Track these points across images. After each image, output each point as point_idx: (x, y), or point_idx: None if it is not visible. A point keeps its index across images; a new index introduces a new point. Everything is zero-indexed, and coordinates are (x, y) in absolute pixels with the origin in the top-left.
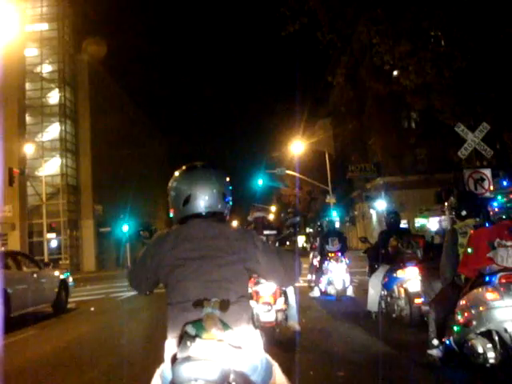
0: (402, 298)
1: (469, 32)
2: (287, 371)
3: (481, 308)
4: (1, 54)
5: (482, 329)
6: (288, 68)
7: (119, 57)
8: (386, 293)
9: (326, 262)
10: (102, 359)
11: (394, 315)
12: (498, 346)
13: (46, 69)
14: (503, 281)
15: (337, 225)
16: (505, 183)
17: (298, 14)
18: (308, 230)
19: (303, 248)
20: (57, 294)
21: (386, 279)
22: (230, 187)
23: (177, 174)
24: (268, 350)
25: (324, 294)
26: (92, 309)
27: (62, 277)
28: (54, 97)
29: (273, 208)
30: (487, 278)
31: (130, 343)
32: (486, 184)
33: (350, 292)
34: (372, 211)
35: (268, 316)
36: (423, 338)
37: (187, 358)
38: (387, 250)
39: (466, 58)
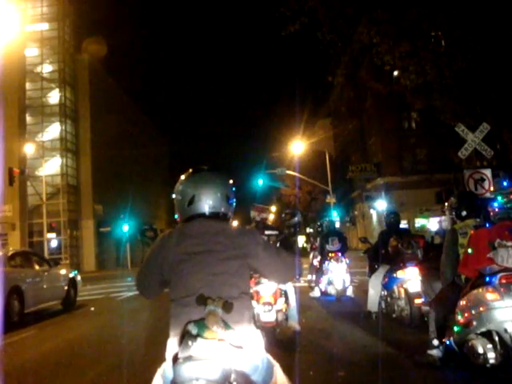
0: (402, 299)
1: (469, 32)
2: (287, 371)
3: (481, 308)
4: (1, 54)
5: (483, 329)
6: (288, 68)
7: (119, 56)
8: (386, 293)
9: (327, 262)
10: (102, 359)
11: (394, 315)
12: (498, 347)
13: (47, 69)
14: (503, 281)
15: (337, 225)
16: (505, 183)
17: (298, 14)
18: (308, 230)
19: (303, 248)
20: (66, 291)
21: (386, 279)
22: (234, 190)
23: (183, 176)
24: (268, 350)
25: (324, 294)
26: (92, 309)
27: (70, 275)
28: (54, 97)
29: (273, 208)
30: (487, 279)
31: (130, 343)
32: (486, 184)
33: (349, 292)
34: (372, 211)
35: (268, 316)
36: (423, 338)
37: (188, 358)
38: (387, 251)
39: (467, 58)
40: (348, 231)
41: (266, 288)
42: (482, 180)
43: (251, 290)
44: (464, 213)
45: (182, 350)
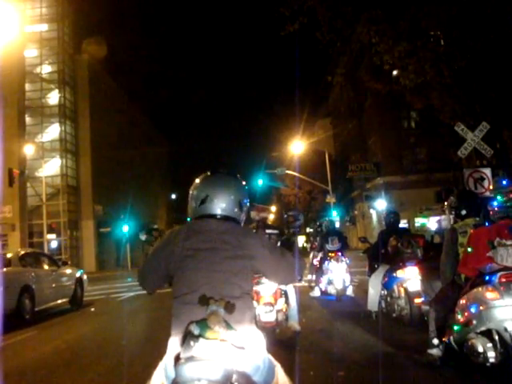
0: (401, 298)
1: (468, 31)
2: (288, 371)
3: (481, 307)
4: (0, 55)
5: (482, 328)
6: (287, 68)
7: (119, 57)
8: (385, 292)
9: (327, 262)
10: (102, 360)
11: (394, 315)
12: (498, 346)
13: (46, 69)
14: (503, 280)
15: (337, 224)
16: (504, 182)
17: (297, 13)
18: (308, 229)
19: (303, 248)
20: (74, 290)
21: (386, 279)
22: (247, 192)
23: (200, 177)
24: (268, 350)
25: (324, 293)
26: (92, 309)
27: (77, 274)
28: (53, 97)
29: (273, 208)
30: (487, 278)
31: (130, 344)
32: (485, 183)
33: (350, 292)
34: (372, 211)
35: (269, 316)
36: (423, 338)
37: (190, 358)
38: (387, 250)
39: (466, 57)
40: (348, 231)
41: (267, 288)
42: (482, 179)
43: (252, 291)
44: (464, 212)
45: (183, 351)
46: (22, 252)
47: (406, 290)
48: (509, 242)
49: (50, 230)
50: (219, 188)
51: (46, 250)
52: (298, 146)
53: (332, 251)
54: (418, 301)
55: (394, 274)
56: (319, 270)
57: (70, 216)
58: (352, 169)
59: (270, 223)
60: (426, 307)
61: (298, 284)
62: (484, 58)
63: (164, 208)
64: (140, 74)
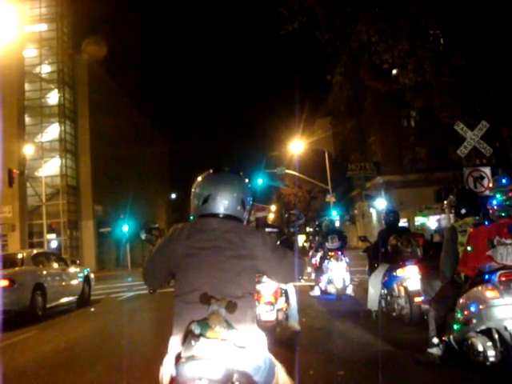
0: (401, 297)
1: (468, 30)
2: (288, 370)
3: (480, 306)
4: (0, 55)
5: (482, 327)
6: (287, 67)
7: (118, 57)
8: (385, 291)
9: (326, 261)
10: (101, 360)
11: (393, 314)
12: (498, 344)
13: (45, 69)
14: (503, 279)
15: (337, 224)
16: (504, 181)
17: (296, 13)
18: (308, 229)
19: (303, 247)
20: (82, 288)
21: (386, 278)
22: (251, 196)
23: (202, 175)
24: (269, 350)
25: (324, 292)
26: (92, 309)
27: (84, 273)
28: (53, 97)
29: (273, 207)
30: (487, 276)
31: (130, 343)
32: (485, 182)
33: (349, 291)
34: (372, 210)
35: (269, 315)
36: (423, 337)
37: (191, 357)
38: (387, 249)
39: (465, 56)
40: (348, 230)
41: (267, 287)
42: (482, 178)
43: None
44: (463, 211)
45: (184, 350)
46: (35, 252)
47: (405, 289)
48: (508, 241)
49: (50, 230)
50: (222, 186)
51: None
52: (297, 146)
53: (332, 250)
54: (417, 300)
55: (394, 273)
56: (319, 270)
57: (69, 216)
58: (352, 168)
59: (269, 222)
60: (425, 306)
61: (298, 283)
62: (483, 57)
63: (164, 208)
64: (139, 74)
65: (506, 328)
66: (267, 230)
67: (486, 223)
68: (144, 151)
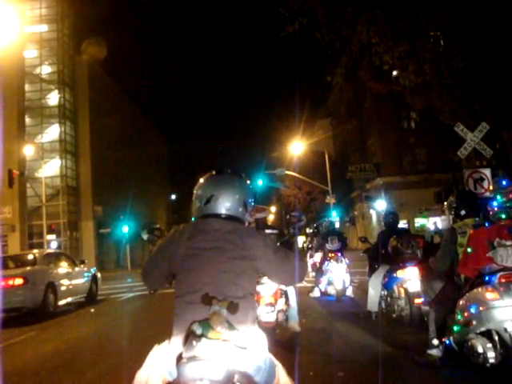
0: (401, 298)
1: (468, 32)
2: (288, 371)
3: (481, 308)
4: (0, 56)
5: (482, 328)
6: (287, 68)
7: (119, 58)
8: (386, 293)
9: (326, 262)
10: (101, 360)
11: (394, 315)
12: (498, 346)
13: (46, 70)
14: (503, 280)
15: (337, 225)
16: (504, 183)
17: (296, 14)
18: (308, 230)
19: (302, 248)
20: (89, 287)
21: (386, 279)
22: (253, 198)
23: (204, 177)
24: (269, 351)
25: (324, 294)
26: (92, 310)
27: (92, 272)
28: (53, 98)
29: (273, 208)
30: (487, 278)
31: (130, 344)
32: (485, 184)
33: (349, 292)
34: (372, 211)
35: (269, 316)
36: (423, 338)
37: (193, 358)
38: (387, 250)
39: (465, 57)
40: (348, 231)
41: (267, 288)
42: (482, 179)
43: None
44: (463, 212)
45: (186, 350)
46: (46, 252)
47: (406, 290)
48: (508, 243)
49: (50, 231)
50: (224, 187)
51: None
52: (297, 147)
53: (332, 251)
54: (418, 301)
55: (394, 275)
56: (319, 271)
57: (69, 217)
58: (352, 169)
59: (269, 224)
60: (425, 308)
61: (298, 284)
62: (484, 58)
63: (164, 208)
64: (140, 75)
65: (506, 330)
66: (267, 231)
67: (487, 225)
68: (144, 152)
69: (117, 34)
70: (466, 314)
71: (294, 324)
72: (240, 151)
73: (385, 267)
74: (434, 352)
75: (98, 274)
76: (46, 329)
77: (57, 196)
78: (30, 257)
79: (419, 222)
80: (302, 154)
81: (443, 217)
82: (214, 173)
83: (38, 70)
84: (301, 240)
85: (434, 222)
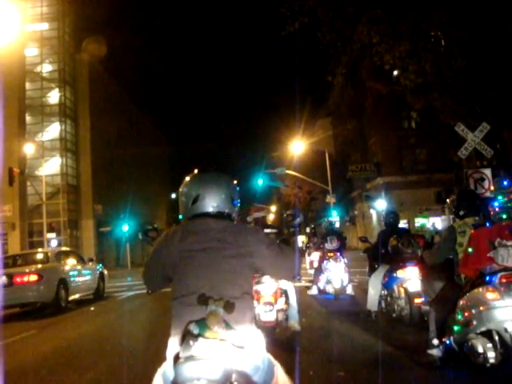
0: (401, 298)
1: (469, 32)
2: (287, 371)
3: (481, 308)
4: (1, 54)
5: (483, 328)
6: (288, 68)
7: (120, 56)
8: (385, 292)
9: (325, 262)
10: (101, 359)
11: (393, 315)
12: (498, 346)
13: (46, 68)
14: (503, 280)
15: (337, 224)
16: (505, 183)
17: (298, 13)
18: (308, 230)
19: (301, 248)
20: (97, 283)
21: (386, 279)
22: (238, 191)
23: (188, 177)
24: (268, 350)
25: (322, 292)
26: (92, 308)
27: (99, 269)
28: (54, 96)
29: (273, 208)
30: (487, 278)
31: (129, 343)
32: (486, 184)
33: (349, 290)
34: (372, 211)
35: (269, 316)
36: (423, 338)
37: (190, 358)
38: (387, 250)
39: (466, 57)
40: (348, 231)
41: (267, 287)
42: (482, 179)
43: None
44: (461, 212)
45: (183, 350)
46: (58, 250)
47: (406, 290)
48: (509, 243)
49: (50, 229)
50: (209, 186)
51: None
52: (298, 146)
53: (331, 251)
54: (417, 301)
55: (394, 274)
56: (318, 269)
57: (69, 215)
58: (352, 169)
59: (269, 223)
60: (426, 307)
61: (297, 284)
62: (484, 58)
63: (164, 207)
64: (140, 74)
65: (506, 330)
66: (266, 230)
67: (488, 225)
68: (144, 151)
69: (118, 33)
70: (466, 314)
71: (294, 323)
72: (241, 150)
73: (385, 267)
74: (434, 352)
75: (105, 272)
76: (46, 327)
77: (57, 194)
78: (43, 255)
79: (419, 221)
80: (302, 154)
81: (443, 217)
82: (196, 172)
83: (38, 69)
84: (301, 239)
85: (432, 223)
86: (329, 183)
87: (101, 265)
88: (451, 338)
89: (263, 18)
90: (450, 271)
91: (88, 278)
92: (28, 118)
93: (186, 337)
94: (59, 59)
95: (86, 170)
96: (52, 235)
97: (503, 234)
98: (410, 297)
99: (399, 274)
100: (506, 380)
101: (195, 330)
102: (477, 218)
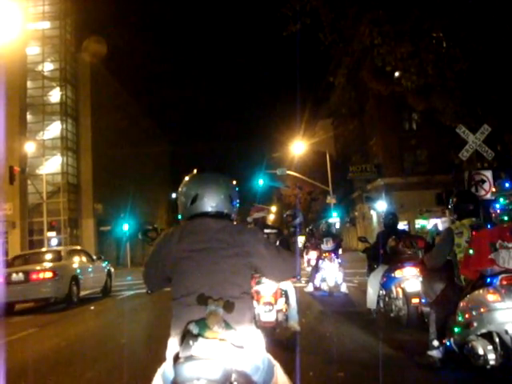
0: (399, 298)
1: (471, 33)
2: (287, 371)
3: (482, 309)
4: (2, 53)
5: (483, 330)
6: (289, 68)
7: (121, 55)
8: (384, 292)
9: (321, 261)
10: (101, 358)
11: (391, 315)
12: (499, 348)
13: (48, 67)
14: (504, 282)
15: (337, 225)
16: (507, 185)
17: (299, 14)
18: (307, 230)
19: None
20: (105, 280)
21: (385, 279)
22: (237, 191)
23: (187, 177)
24: (268, 350)
25: (317, 289)
26: (92, 307)
27: (107, 267)
28: (55, 95)
29: (273, 208)
30: (488, 280)
31: (130, 342)
32: (486, 186)
33: (343, 288)
34: (372, 212)
35: (268, 316)
36: (423, 339)
37: (190, 357)
38: (386, 251)
39: (468, 59)
40: (348, 232)
41: (267, 288)
42: (483, 182)
43: (251, 290)
44: (460, 213)
45: (183, 350)
46: (70, 248)
47: (403, 290)
48: (510, 245)
49: (50, 228)
50: (207, 185)
51: (46, 248)
52: (298, 147)
53: (326, 251)
54: (415, 301)
55: (392, 275)
56: (314, 268)
57: (70, 214)
58: (353, 170)
59: (269, 223)
60: (426, 309)
61: (297, 284)
62: (486, 60)
63: (164, 207)
64: (142, 73)
65: (506, 332)
66: (266, 231)
67: (489, 226)
68: (145, 150)
69: (119, 32)
70: (467, 316)
71: (294, 323)
72: (241, 150)
73: (383, 267)
74: (435, 353)
75: (112, 269)
76: (46, 326)
77: (57, 193)
78: (57, 253)
79: (420, 223)
80: (303, 154)
81: (443, 218)
82: (195, 172)
83: (40, 67)
84: (301, 240)
85: (434, 224)
86: (329, 184)
87: (106, 262)
88: (452, 339)
89: (265, 18)
90: (451, 272)
91: (97, 274)
92: (29, 117)
93: (186, 337)
94: (61, 58)
95: (86, 169)
96: (52, 234)
97: (504, 236)
98: (407, 297)
99: (397, 274)
100: (506, 382)
101: (195, 329)
102: (474, 219)
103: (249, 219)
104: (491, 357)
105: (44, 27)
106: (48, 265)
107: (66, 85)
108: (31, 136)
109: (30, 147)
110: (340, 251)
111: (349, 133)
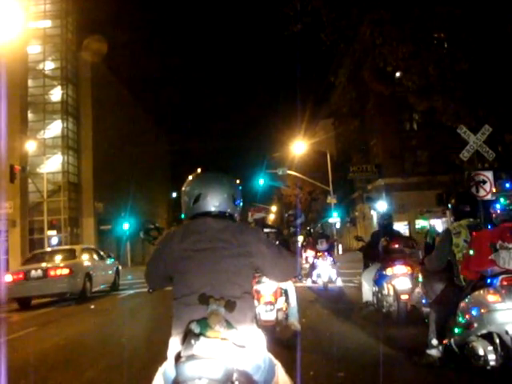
0: (390, 295)
1: (472, 34)
2: (287, 371)
3: (482, 310)
4: (4, 51)
5: (483, 331)
6: (290, 68)
7: (122, 55)
8: (376, 289)
9: (316, 260)
10: (101, 357)
11: (383, 310)
12: (499, 349)
13: (49, 66)
14: (505, 283)
15: (337, 225)
16: (507, 185)
17: (301, 14)
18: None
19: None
20: (114, 277)
21: (377, 276)
22: (240, 191)
23: (191, 176)
24: (268, 350)
25: (314, 283)
26: (92, 306)
27: (115, 264)
28: (56, 94)
29: (273, 208)
30: (489, 280)
31: (130, 341)
32: (487, 186)
33: (339, 283)
34: (372, 212)
35: (269, 315)
36: (423, 339)
37: (191, 357)
38: (378, 249)
39: (469, 59)
40: (348, 232)
41: (267, 287)
42: (484, 182)
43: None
44: (459, 214)
45: (184, 349)
46: (83, 247)
47: (394, 287)
48: (511, 245)
49: (51, 227)
50: (211, 185)
51: (46, 247)
52: (299, 147)
53: (320, 251)
54: (404, 297)
55: (384, 272)
56: (311, 265)
57: (70, 213)
58: (353, 170)
59: (269, 223)
60: (426, 309)
61: (298, 284)
62: (487, 60)
63: (164, 206)
64: (143, 72)
65: (507, 332)
66: (266, 230)
67: (489, 227)
68: (146, 149)
69: (121, 31)
70: (467, 316)
71: (295, 322)
72: (242, 150)
73: (377, 265)
74: (434, 352)
75: (120, 267)
76: (46, 325)
77: (58, 192)
78: (72, 251)
79: (420, 223)
80: (303, 154)
81: (444, 219)
82: (199, 171)
83: (41, 66)
84: (301, 239)
85: (433, 225)
86: (330, 184)
87: (113, 259)
88: (452, 340)
89: (266, 18)
90: (450, 273)
91: (107, 271)
92: (30, 116)
93: (188, 336)
94: (62, 57)
95: (87, 167)
96: (52, 233)
97: (505, 237)
98: (397, 294)
99: (388, 272)
100: (506, 383)
101: (196, 329)
102: (471, 220)
103: (250, 219)
104: (491, 357)
105: (45, 26)
106: (64, 262)
107: (67, 84)
108: (32, 135)
109: (30, 146)
110: (335, 251)
111: (349, 133)
